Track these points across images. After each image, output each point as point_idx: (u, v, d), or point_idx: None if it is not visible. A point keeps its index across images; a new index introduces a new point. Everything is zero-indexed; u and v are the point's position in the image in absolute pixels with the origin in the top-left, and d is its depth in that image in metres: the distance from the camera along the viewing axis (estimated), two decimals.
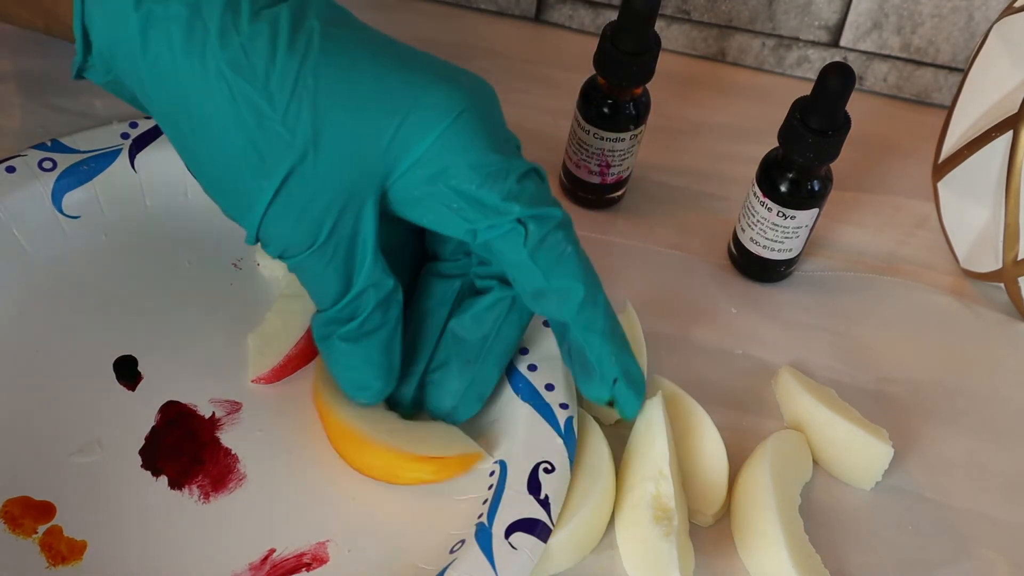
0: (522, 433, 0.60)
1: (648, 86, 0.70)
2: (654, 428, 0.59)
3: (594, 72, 0.69)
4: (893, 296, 0.73)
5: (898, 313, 0.72)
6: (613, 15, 0.82)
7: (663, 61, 0.71)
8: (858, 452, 0.62)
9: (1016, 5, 0.68)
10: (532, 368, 0.62)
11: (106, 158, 0.67)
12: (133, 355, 0.62)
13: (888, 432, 0.63)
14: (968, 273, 0.73)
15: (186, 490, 0.58)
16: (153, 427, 0.60)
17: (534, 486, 0.58)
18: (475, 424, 0.62)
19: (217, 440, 0.60)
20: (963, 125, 0.71)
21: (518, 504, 0.57)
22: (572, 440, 0.60)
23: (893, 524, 0.62)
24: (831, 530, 0.62)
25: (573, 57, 0.82)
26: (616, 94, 0.69)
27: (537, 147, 0.77)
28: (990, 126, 0.68)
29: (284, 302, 0.63)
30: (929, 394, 0.68)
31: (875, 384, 0.68)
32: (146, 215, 0.67)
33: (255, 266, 0.66)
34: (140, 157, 0.67)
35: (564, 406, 0.61)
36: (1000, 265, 0.70)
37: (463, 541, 0.56)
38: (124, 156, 0.67)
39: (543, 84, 0.82)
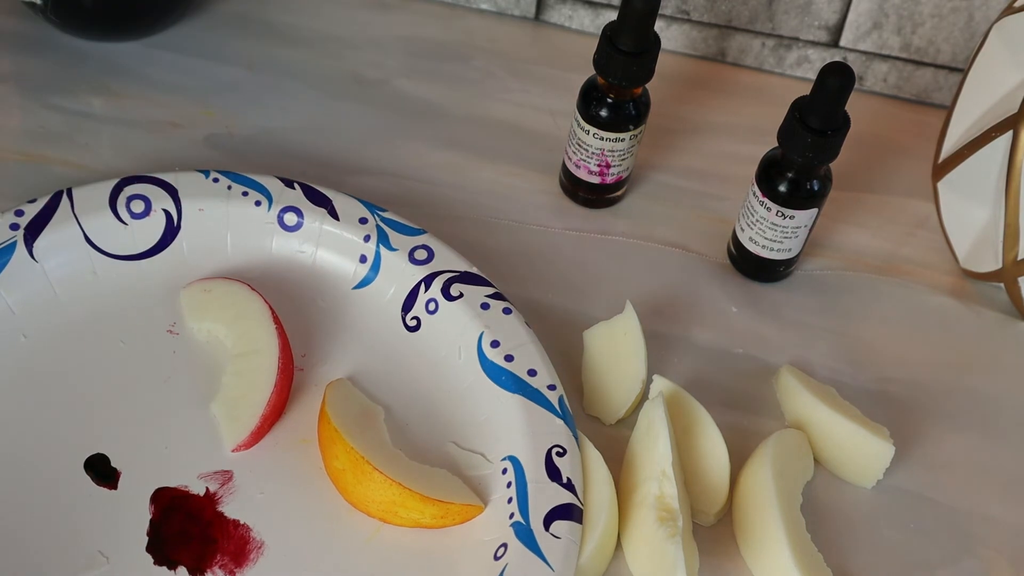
0: (521, 424, 0.60)
1: (648, 86, 0.70)
2: (655, 428, 0.59)
3: (594, 72, 0.70)
4: (893, 296, 0.73)
5: (898, 313, 0.72)
6: (613, 15, 0.82)
7: (663, 61, 0.71)
8: (859, 451, 0.62)
9: (1016, 5, 0.68)
10: (509, 359, 0.62)
11: (2, 255, 0.63)
12: (101, 452, 0.59)
13: (889, 431, 0.63)
14: (968, 273, 0.73)
15: (209, 574, 0.56)
16: (151, 520, 0.57)
17: (553, 473, 0.58)
18: (466, 427, 0.62)
19: (221, 515, 0.57)
20: (963, 125, 0.71)
21: (546, 494, 0.57)
22: (570, 418, 0.60)
23: (894, 523, 0.62)
24: (833, 529, 0.62)
25: (573, 57, 0.82)
26: (616, 94, 0.69)
27: (537, 147, 0.78)
28: (990, 126, 0.68)
29: (239, 362, 0.61)
30: (930, 393, 0.68)
31: (876, 383, 0.68)
32: (60, 304, 0.64)
33: (190, 330, 0.64)
34: (38, 244, 0.63)
35: (552, 387, 0.61)
36: (1000, 265, 0.70)
37: (505, 545, 0.56)
38: (21, 247, 0.63)
39: (543, 84, 0.82)
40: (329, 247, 0.67)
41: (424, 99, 0.80)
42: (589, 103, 0.70)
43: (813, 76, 0.78)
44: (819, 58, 0.83)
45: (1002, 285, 0.72)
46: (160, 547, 0.56)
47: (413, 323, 0.65)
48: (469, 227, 0.72)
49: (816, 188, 0.67)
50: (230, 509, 0.58)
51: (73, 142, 0.74)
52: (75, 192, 0.65)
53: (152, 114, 0.76)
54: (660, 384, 0.63)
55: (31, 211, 0.64)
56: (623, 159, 0.72)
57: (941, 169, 0.72)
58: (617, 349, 0.65)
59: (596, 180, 0.73)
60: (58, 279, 0.64)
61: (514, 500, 0.58)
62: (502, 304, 0.64)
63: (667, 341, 0.68)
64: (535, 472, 0.58)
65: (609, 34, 0.67)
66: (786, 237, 0.69)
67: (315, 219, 0.67)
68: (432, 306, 0.65)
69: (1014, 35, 0.67)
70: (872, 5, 0.80)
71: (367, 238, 0.66)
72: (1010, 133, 0.66)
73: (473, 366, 0.63)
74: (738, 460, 0.62)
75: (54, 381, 0.61)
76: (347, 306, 0.66)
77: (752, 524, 0.59)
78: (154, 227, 0.66)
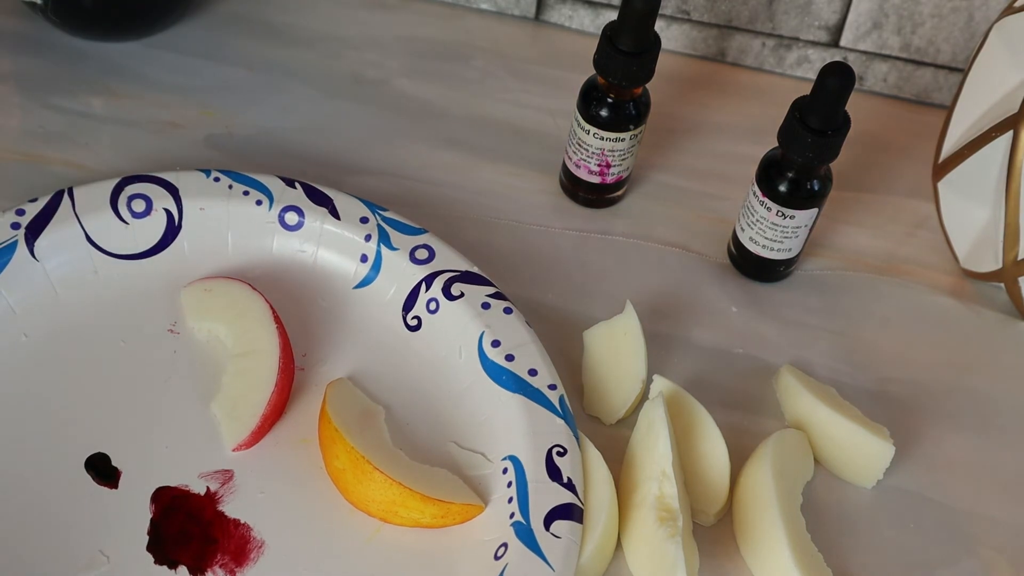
0: (523, 424, 0.60)
1: (648, 86, 0.70)
2: (656, 428, 0.59)
3: (594, 72, 0.70)
4: (893, 296, 0.73)
5: (898, 313, 0.72)
6: (613, 15, 0.82)
7: (663, 61, 0.71)
8: (859, 451, 0.62)
9: (1016, 5, 0.68)
10: (509, 358, 0.62)
11: (3, 254, 0.63)
12: (103, 452, 0.59)
13: (889, 431, 0.63)
14: (968, 273, 0.73)
15: (209, 573, 0.56)
16: (152, 520, 0.57)
17: (554, 472, 0.58)
18: (467, 427, 0.62)
19: (222, 514, 0.57)
20: (963, 125, 0.71)
21: (546, 494, 0.57)
22: (571, 417, 0.60)
23: (894, 523, 0.62)
24: (833, 529, 0.62)
25: (573, 57, 0.82)
26: (616, 94, 0.69)
27: (537, 147, 0.78)
28: (990, 126, 0.68)
29: (239, 362, 0.61)
30: (930, 393, 0.68)
31: (876, 383, 0.68)
32: (61, 304, 0.64)
33: (191, 329, 0.64)
34: (39, 243, 0.63)
35: (552, 387, 0.61)
36: (1000, 265, 0.70)
37: (505, 545, 0.56)
38: (22, 247, 0.63)
39: (543, 84, 0.82)
40: (330, 246, 0.67)
41: (424, 99, 0.80)
42: (589, 103, 0.70)
43: (813, 76, 0.78)
44: (819, 58, 0.83)
45: (1002, 285, 0.72)
46: (161, 546, 0.56)
47: (414, 323, 0.65)
48: (469, 227, 0.72)
49: (816, 188, 0.67)
50: (230, 508, 0.58)
51: (73, 142, 0.74)
52: (76, 191, 0.65)
53: (152, 114, 0.76)
54: (660, 384, 0.63)
55: (32, 210, 0.64)
56: (623, 159, 0.72)
57: (941, 169, 0.72)
58: (617, 349, 0.65)
59: (596, 180, 0.73)
60: (59, 278, 0.64)
61: (514, 500, 0.58)
62: (503, 304, 0.64)
63: (667, 341, 0.68)
64: (535, 472, 0.58)
65: (609, 34, 0.67)
66: (786, 237, 0.69)
67: (316, 218, 0.67)
68: (433, 305, 0.65)
69: (1014, 35, 0.67)
70: (872, 5, 0.80)
71: (368, 237, 0.66)
72: (1010, 133, 0.66)
73: (474, 366, 0.63)
74: (738, 460, 0.62)
75: (54, 381, 0.61)
76: (348, 306, 0.66)
77: (752, 524, 0.59)
78: (155, 226, 0.66)
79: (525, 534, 0.56)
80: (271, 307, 0.63)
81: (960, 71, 0.82)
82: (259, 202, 0.67)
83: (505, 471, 0.59)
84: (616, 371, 0.65)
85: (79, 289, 0.64)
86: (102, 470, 0.58)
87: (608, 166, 0.72)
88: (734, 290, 0.72)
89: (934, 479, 0.64)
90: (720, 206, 0.76)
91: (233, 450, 0.59)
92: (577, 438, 0.60)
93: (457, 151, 0.77)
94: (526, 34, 0.86)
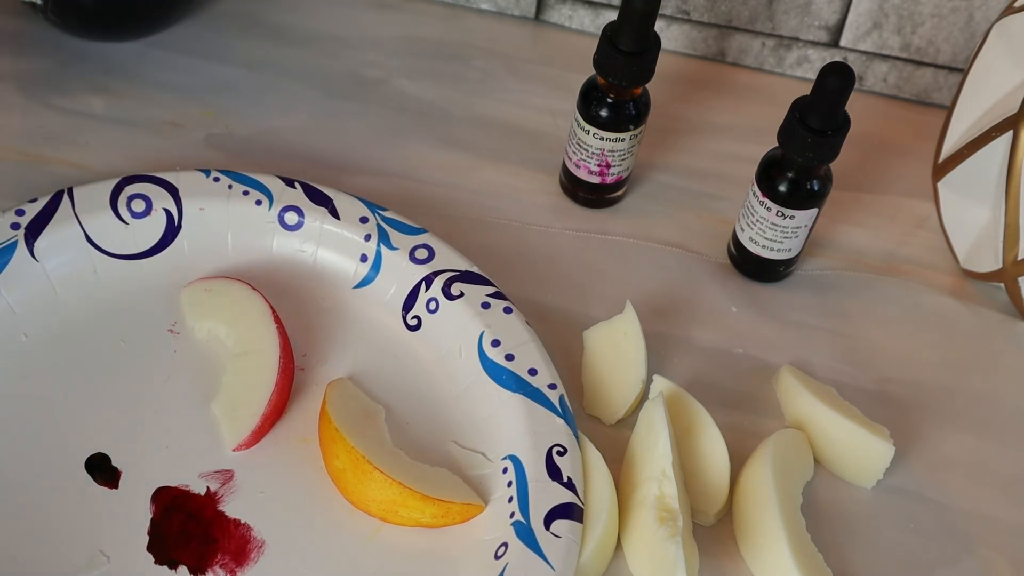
0: (523, 424, 0.60)
1: (648, 86, 0.70)
2: (656, 428, 0.59)
3: (594, 72, 0.70)
4: (893, 296, 0.73)
5: (898, 313, 0.72)
6: (613, 15, 0.82)
7: (663, 61, 0.71)
8: (859, 451, 0.62)
9: (1016, 5, 0.68)
10: (509, 358, 0.62)
11: (3, 254, 0.63)
12: (102, 452, 0.59)
13: (889, 431, 0.63)
14: (968, 273, 0.73)
15: (210, 573, 0.56)
16: (152, 519, 0.57)
17: (554, 472, 0.58)
18: (467, 426, 0.62)
19: (222, 514, 0.57)
20: (963, 125, 0.71)
21: (546, 493, 0.57)
22: (571, 417, 0.60)
23: (894, 523, 0.62)
24: (833, 529, 0.62)
25: (573, 57, 0.82)
26: (616, 94, 0.69)
27: (537, 147, 0.78)
28: (990, 126, 0.68)
29: (239, 362, 0.61)
30: (930, 393, 0.68)
31: (876, 383, 0.68)
32: (60, 304, 0.64)
33: (191, 329, 0.64)
34: (38, 244, 0.63)
35: (552, 387, 0.61)
36: (1000, 265, 0.70)
37: (505, 544, 0.56)
38: (21, 247, 0.63)
39: (543, 84, 0.82)
40: (330, 246, 0.67)
41: (424, 99, 0.80)
42: (589, 103, 0.70)
43: (813, 76, 0.78)
44: (819, 58, 0.83)
45: (1002, 285, 0.72)
46: (161, 546, 0.56)
47: (414, 322, 0.65)
48: (469, 227, 0.72)
49: (816, 188, 0.67)
50: (231, 508, 0.58)
51: (73, 142, 0.74)
52: (76, 191, 0.65)
53: (152, 114, 0.76)
54: (660, 384, 0.63)
55: (32, 211, 0.64)
56: (623, 159, 0.72)
57: (941, 169, 0.72)
58: (617, 349, 0.65)
59: (596, 180, 0.73)
60: (59, 279, 0.64)
61: (515, 499, 0.58)
62: (503, 303, 0.64)
63: (667, 341, 0.68)
64: (536, 471, 0.58)
65: (609, 34, 0.67)
66: (786, 237, 0.69)
67: (316, 218, 0.67)
68: (433, 305, 0.65)
69: (1014, 35, 0.67)
70: (872, 5, 0.80)
71: (368, 237, 0.66)
72: (1010, 133, 0.66)
73: (474, 365, 0.63)
74: (738, 460, 0.62)
75: (54, 381, 0.61)
76: (348, 305, 0.66)
77: (752, 524, 0.59)
78: (155, 226, 0.66)
79: (525, 533, 0.56)
80: (271, 307, 0.63)
81: (960, 71, 0.82)
82: (259, 202, 0.67)
83: (505, 470, 0.59)
84: (616, 371, 0.65)
85: (79, 289, 0.64)
86: (102, 470, 0.58)
87: (608, 166, 0.72)
88: (734, 290, 0.72)
89: (934, 479, 0.64)
90: (720, 206, 0.76)
91: (233, 450, 0.59)
92: (577, 438, 0.60)
93: (457, 151, 0.77)
94: (526, 34, 0.86)
